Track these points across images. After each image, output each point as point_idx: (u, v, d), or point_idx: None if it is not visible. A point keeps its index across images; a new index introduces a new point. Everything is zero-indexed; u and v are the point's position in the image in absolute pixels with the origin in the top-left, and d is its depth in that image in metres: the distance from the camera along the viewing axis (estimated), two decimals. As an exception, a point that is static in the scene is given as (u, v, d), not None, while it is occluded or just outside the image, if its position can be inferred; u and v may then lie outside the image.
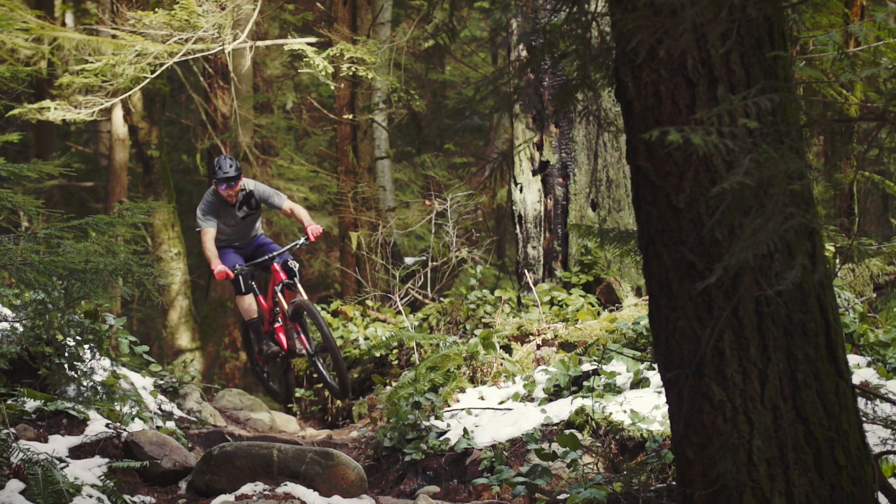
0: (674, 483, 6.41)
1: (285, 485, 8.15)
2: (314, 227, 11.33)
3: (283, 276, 11.64)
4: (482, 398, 10.54)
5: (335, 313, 14.66)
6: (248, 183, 11.69)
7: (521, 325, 11.78)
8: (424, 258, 15.96)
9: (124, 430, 8.82)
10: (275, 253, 11.71)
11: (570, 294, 12.39)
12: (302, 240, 11.49)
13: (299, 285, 11.65)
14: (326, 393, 13.70)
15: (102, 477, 7.84)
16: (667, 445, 7.77)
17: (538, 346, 11.40)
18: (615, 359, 9.87)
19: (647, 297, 4.62)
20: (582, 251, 12.75)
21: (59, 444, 8.27)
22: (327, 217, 21.23)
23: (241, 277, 11.62)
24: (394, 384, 11.54)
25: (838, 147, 4.99)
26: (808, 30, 9.66)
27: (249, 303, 11.93)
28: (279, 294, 11.73)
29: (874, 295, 11.25)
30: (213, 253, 11.44)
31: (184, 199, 25.58)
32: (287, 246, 11.73)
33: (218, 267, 11.33)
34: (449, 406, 10.47)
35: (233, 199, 11.53)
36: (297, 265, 11.72)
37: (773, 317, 4.34)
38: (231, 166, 11.39)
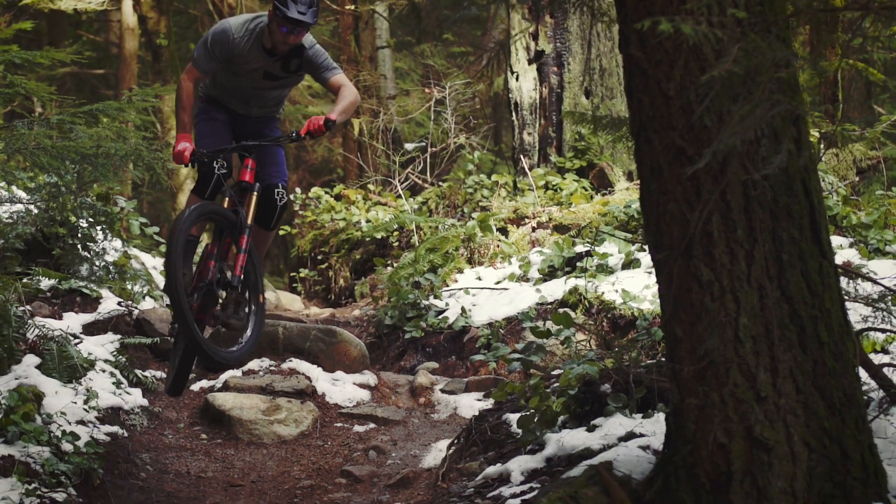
0: (663, 359, 6.50)
1: (290, 361, 8.36)
2: (314, 120, 7.12)
3: (247, 176, 7.26)
4: (479, 278, 10.73)
5: (338, 197, 14.81)
6: (306, 38, 7.39)
7: (517, 208, 11.94)
8: (424, 144, 16.07)
9: (135, 307, 8.99)
10: (261, 142, 7.36)
11: (564, 178, 12.55)
12: (293, 134, 7.23)
13: (249, 207, 7.20)
14: (330, 273, 13.89)
15: (115, 352, 8.06)
16: (656, 323, 7.88)
17: (533, 229, 11.59)
18: (607, 240, 10.01)
19: (638, 182, 4.68)
20: (576, 137, 12.90)
21: (72, 321, 8.44)
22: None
23: (204, 175, 7.34)
24: (394, 265, 11.69)
25: (824, 36, 5.06)
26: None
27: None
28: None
29: (857, 179, 11.40)
30: (184, 114, 7.28)
31: (191, 86, 25.40)
32: (272, 138, 7.54)
33: (179, 144, 7.12)
34: (447, 286, 10.64)
35: (281, 50, 7.28)
36: (283, 199, 7.52)
37: (760, 200, 4.36)
38: (310, 9, 7.13)
